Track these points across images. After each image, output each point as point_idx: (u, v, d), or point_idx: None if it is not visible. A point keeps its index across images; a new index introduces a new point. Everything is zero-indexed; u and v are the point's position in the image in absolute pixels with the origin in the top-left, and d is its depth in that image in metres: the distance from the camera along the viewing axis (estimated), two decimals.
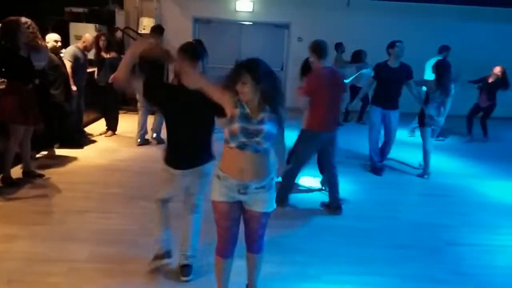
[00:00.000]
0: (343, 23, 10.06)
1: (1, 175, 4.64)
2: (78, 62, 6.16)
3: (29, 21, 4.52)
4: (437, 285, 3.26)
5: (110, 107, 6.90)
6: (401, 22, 10.04)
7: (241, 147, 2.40)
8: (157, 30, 6.75)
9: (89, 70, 6.63)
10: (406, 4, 10.05)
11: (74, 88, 6.17)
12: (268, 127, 2.39)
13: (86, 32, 6.74)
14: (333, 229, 4.05)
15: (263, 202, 2.53)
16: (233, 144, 2.41)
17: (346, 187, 5.08)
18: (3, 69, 4.45)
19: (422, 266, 3.51)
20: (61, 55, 6.04)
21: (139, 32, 9.68)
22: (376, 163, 5.77)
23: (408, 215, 4.54)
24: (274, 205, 2.60)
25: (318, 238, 3.80)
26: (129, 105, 9.08)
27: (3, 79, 4.60)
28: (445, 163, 6.58)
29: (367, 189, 5.25)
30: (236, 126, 2.37)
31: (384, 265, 3.47)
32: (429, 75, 7.49)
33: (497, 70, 7.71)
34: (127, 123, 8.02)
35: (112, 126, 6.96)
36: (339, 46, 9.03)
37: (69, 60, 6.05)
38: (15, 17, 4.47)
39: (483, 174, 6.13)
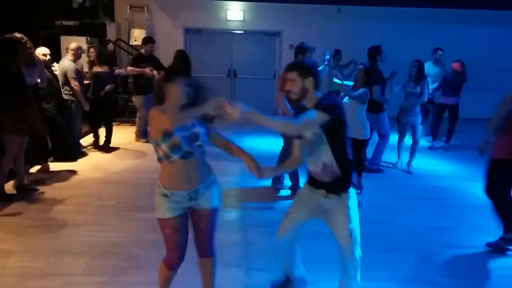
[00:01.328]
0: (334, 30, 10.15)
1: None
2: (80, 76, 6.17)
3: (24, 37, 4.54)
4: None
5: (105, 120, 6.91)
6: (392, 27, 10.15)
7: (185, 156, 2.40)
8: (149, 40, 6.88)
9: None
10: (396, 9, 10.16)
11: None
12: (200, 129, 2.45)
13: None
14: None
15: (209, 198, 2.56)
16: (175, 157, 2.39)
17: None
18: None
19: (419, 269, 3.52)
20: (53, 68, 6.06)
21: (131, 43, 9.71)
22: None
23: (403, 219, 4.55)
24: (220, 200, 2.64)
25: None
26: (122, 116, 9.11)
27: None
28: (439, 166, 6.64)
29: (364, 194, 5.21)
30: (176, 138, 2.35)
31: (381, 270, 3.47)
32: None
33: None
34: (121, 134, 8.03)
35: (107, 139, 6.94)
36: (337, 53, 8.97)
37: (74, 78, 5.98)
38: (12, 34, 4.53)
39: (477, 176, 6.10)
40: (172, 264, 2.65)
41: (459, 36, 10.27)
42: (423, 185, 5.69)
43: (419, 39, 10.15)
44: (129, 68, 6.88)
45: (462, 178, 6.03)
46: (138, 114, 7.17)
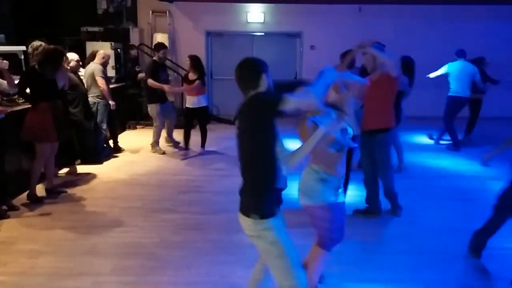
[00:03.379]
0: (355, 29, 10.06)
1: (27, 192, 4.78)
2: (106, 78, 6.40)
3: (59, 47, 4.80)
4: None
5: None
6: (414, 25, 10.01)
7: (340, 150, 2.67)
8: (161, 46, 6.94)
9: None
10: (418, 7, 10.01)
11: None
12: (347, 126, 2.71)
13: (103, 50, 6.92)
14: (351, 236, 3.97)
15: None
16: (337, 148, 2.65)
17: (362, 193, 5.05)
18: (29, 90, 4.63)
19: (446, 271, 3.44)
20: (80, 73, 6.22)
21: (153, 48, 9.86)
22: None
23: (427, 220, 4.46)
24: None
25: (337, 246, 3.76)
26: (146, 120, 9.26)
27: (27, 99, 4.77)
28: (465, 166, 6.46)
29: (381, 195, 5.17)
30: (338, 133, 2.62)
31: (407, 271, 3.42)
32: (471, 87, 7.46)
33: None
34: (144, 137, 8.17)
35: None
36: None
37: (101, 77, 6.28)
38: (58, 46, 4.81)
39: (505, 176, 5.95)
40: (330, 246, 2.87)
41: (482, 33, 10.05)
42: (448, 186, 5.55)
43: (442, 37, 10.00)
44: (150, 81, 6.62)
45: (489, 179, 5.78)
46: (154, 124, 6.98)
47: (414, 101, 6.46)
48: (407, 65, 5.54)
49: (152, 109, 6.85)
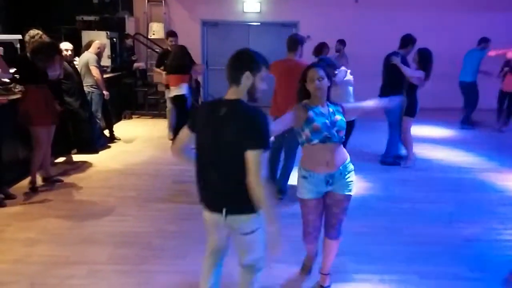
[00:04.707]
0: (352, 20, 10.07)
1: (28, 180, 4.82)
2: (101, 68, 6.41)
3: (55, 42, 4.88)
4: (459, 282, 3.21)
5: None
6: (410, 16, 10.00)
7: (324, 141, 2.67)
8: (169, 34, 6.95)
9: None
10: None
11: (106, 93, 6.49)
12: (340, 116, 2.74)
13: (99, 40, 6.90)
14: (350, 227, 4.00)
15: (345, 184, 2.79)
16: (316, 141, 2.67)
17: (362, 184, 5.11)
18: (19, 76, 4.67)
19: (442, 263, 3.46)
20: (75, 63, 6.22)
21: (149, 37, 9.84)
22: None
23: (424, 212, 4.47)
24: (353, 190, 2.85)
25: (353, 239, 3.77)
26: (141, 109, 9.27)
27: (20, 87, 4.79)
28: (462, 158, 6.49)
29: (384, 186, 5.22)
30: (315, 124, 2.67)
31: (403, 263, 3.44)
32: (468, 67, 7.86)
33: None
34: (140, 127, 8.20)
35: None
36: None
37: (96, 66, 6.31)
38: (52, 40, 4.87)
39: (502, 168, 6.00)
40: (305, 238, 2.97)
41: (481, 24, 10.07)
42: (445, 178, 5.56)
43: (438, 29, 10.02)
44: (154, 68, 6.86)
45: (487, 170, 5.86)
46: (167, 108, 7.11)
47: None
48: (425, 58, 5.51)
49: (167, 92, 7.01)
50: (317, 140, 2.68)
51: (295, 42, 4.69)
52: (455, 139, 7.73)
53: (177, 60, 6.25)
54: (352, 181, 2.84)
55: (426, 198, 4.86)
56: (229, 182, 2.19)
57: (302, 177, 2.80)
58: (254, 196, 2.10)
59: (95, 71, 6.28)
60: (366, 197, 4.85)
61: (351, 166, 2.84)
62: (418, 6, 10.09)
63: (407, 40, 5.82)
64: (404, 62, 5.62)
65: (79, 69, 6.21)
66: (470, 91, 8.28)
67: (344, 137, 2.75)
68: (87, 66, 6.27)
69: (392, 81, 5.59)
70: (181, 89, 6.29)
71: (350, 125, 4.73)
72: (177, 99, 6.37)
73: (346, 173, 2.79)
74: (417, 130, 7.92)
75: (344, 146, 4.72)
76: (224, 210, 2.23)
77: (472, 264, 3.46)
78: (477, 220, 4.29)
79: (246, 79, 2.19)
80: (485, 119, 8.75)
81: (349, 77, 4.85)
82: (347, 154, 2.84)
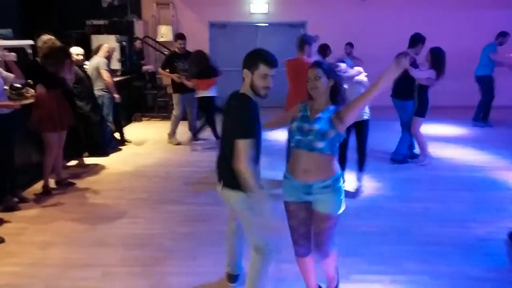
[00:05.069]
0: (359, 19, 10.06)
1: (42, 184, 4.90)
2: (111, 71, 6.50)
3: (65, 47, 4.93)
4: (471, 282, 3.18)
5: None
6: (418, 14, 9.96)
7: (297, 145, 2.53)
8: (178, 37, 7.00)
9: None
10: None
11: (117, 96, 6.58)
12: (320, 125, 2.46)
13: (108, 44, 6.98)
14: (360, 227, 4.05)
15: (325, 202, 2.53)
16: (292, 144, 2.58)
17: (372, 184, 5.11)
18: (32, 82, 4.77)
19: (454, 263, 3.42)
20: (85, 67, 6.29)
21: (158, 40, 9.91)
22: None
23: (436, 211, 4.44)
24: (339, 208, 2.56)
25: (345, 237, 3.77)
26: (151, 112, 9.35)
27: (32, 92, 4.87)
28: (474, 156, 6.42)
29: (394, 185, 5.19)
30: (294, 124, 2.56)
31: (415, 263, 3.42)
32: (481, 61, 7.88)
33: None
34: (150, 130, 8.27)
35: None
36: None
37: (106, 70, 6.42)
38: (63, 45, 4.90)
39: None
40: (295, 249, 2.74)
41: (492, 20, 9.99)
42: (457, 177, 5.50)
43: (448, 26, 9.95)
44: (159, 70, 6.85)
45: (499, 169, 5.79)
46: (173, 113, 7.10)
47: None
48: (437, 57, 5.49)
49: (174, 98, 7.07)
50: (293, 143, 2.57)
51: (302, 42, 4.92)
52: (467, 137, 7.68)
53: (197, 67, 6.50)
54: (337, 200, 2.54)
55: (437, 197, 4.82)
56: (225, 161, 2.54)
57: (284, 177, 2.67)
58: (241, 179, 2.43)
59: (105, 75, 6.36)
60: (376, 196, 4.85)
61: (338, 183, 2.54)
62: (426, 4, 10.03)
63: (417, 39, 5.80)
64: (413, 62, 5.59)
65: (89, 73, 6.29)
66: (482, 85, 8.20)
67: (324, 148, 2.46)
68: (97, 70, 6.35)
69: (402, 82, 5.55)
70: (209, 91, 6.63)
71: (363, 126, 4.76)
72: (202, 100, 6.69)
73: (328, 189, 2.50)
74: (428, 128, 7.88)
75: (363, 149, 4.84)
76: (221, 182, 2.65)
77: (485, 264, 3.42)
78: (490, 219, 4.24)
79: (245, 75, 2.50)
80: (502, 117, 8.66)
81: (363, 78, 4.80)
82: (336, 169, 2.54)
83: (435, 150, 6.55)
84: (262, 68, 2.43)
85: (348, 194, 4.81)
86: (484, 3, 10.10)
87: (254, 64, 2.44)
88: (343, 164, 5.08)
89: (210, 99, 6.65)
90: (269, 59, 2.44)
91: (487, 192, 4.98)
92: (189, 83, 6.72)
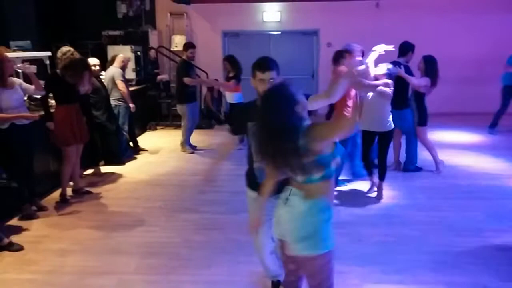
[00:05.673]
0: (373, 26, 10.02)
1: (59, 192, 5.00)
2: (126, 81, 6.62)
3: (84, 59, 5.06)
4: None
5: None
6: (432, 20, 9.90)
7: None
8: (189, 45, 7.09)
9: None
10: (438, 1, 9.89)
11: (132, 106, 6.71)
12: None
13: (123, 54, 7.10)
14: (375, 236, 4.02)
15: (296, 240, 2.21)
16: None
17: (386, 192, 5.06)
18: (51, 94, 4.84)
19: (470, 273, 3.36)
20: (101, 77, 6.41)
21: (172, 49, 10.03)
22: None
23: (451, 220, 4.37)
24: (319, 249, 2.19)
25: (360, 245, 3.77)
26: (165, 120, 9.44)
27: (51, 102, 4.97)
28: (489, 164, 6.32)
29: (409, 194, 5.14)
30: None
31: (430, 273, 3.37)
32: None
33: None
34: (164, 138, 8.35)
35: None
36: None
37: (121, 80, 6.55)
38: (82, 57, 5.02)
39: None
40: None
41: (507, 26, 9.89)
42: (473, 185, 5.41)
43: (464, 32, 9.87)
44: (187, 79, 6.79)
45: None
46: (183, 123, 7.16)
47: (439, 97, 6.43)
48: (431, 65, 5.49)
49: (182, 108, 7.07)
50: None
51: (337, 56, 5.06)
52: (483, 144, 7.55)
53: (235, 69, 7.05)
54: (311, 239, 2.15)
55: (453, 206, 4.74)
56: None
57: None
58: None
59: (121, 85, 6.47)
60: (392, 205, 4.81)
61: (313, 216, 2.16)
62: (440, 10, 9.95)
63: (406, 47, 5.78)
64: (408, 71, 5.56)
65: (105, 84, 6.40)
66: (506, 95, 8.01)
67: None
68: (113, 80, 6.47)
69: (397, 92, 5.45)
70: (239, 97, 7.12)
71: (386, 136, 4.79)
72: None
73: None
74: (443, 135, 7.83)
75: (384, 158, 4.87)
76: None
77: (503, 274, 3.35)
78: (507, 228, 4.15)
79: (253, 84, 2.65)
80: None
81: (386, 89, 4.69)
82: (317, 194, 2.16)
83: (451, 158, 6.47)
84: (257, 74, 2.56)
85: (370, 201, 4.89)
86: (503, 8, 9.98)
87: (252, 72, 2.61)
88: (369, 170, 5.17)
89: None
90: (261, 64, 2.58)
91: (504, 201, 4.88)
92: (229, 84, 7.05)
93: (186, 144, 7.24)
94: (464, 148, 7.19)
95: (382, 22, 9.92)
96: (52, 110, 4.87)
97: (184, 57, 7.04)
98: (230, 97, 7.21)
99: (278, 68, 2.59)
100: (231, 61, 7.06)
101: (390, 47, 4.77)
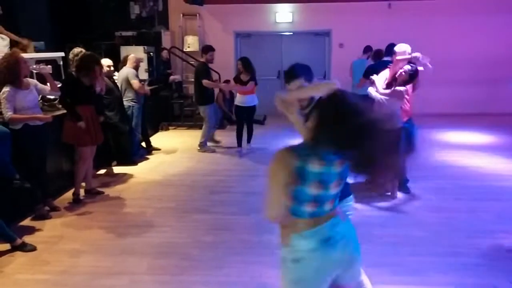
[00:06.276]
0: (384, 26, 9.95)
1: (73, 191, 5.05)
2: (139, 81, 6.69)
3: (93, 53, 5.02)
4: None
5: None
6: (444, 21, 9.78)
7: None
8: (209, 48, 7.16)
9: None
10: (451, 1, 9.78)
11: (148, 91, 6.98)
12: None
13: (136, 54, 7.15)
14: (385, 237, 4.00)
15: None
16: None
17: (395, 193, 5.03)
18: (70, 96, 4.85)
19: (481, 275, 3.33)
20: (114, 78, 6.46)
21: (184, 50, 10.08)
22: None
23: (463, 221, 4.35)
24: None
25: (370, 246, 3.69)
26: (177, 121, 9.48)
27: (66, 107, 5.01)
28: (501, 165, 6.26)
29: (419, 195, 5.10)
30: None
31: (439, 274, 3.36)
32: None
33: None
34: (176, 138, 8.39)
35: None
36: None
37: (136, 80, 6.63)
38: (92, 52, 5.00)
39: None
40: None
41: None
42: (484, 186, 5.37)
43: (476, 32, 9.74)
44: (206, 81, 6.90)
45: None
46: (205, 125, 7.26)
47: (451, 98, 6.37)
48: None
49: (204, 110, 7.19)
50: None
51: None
52: (494, 145, 7.46)
53: (251, 71, 6.99)
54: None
55: (464, 207, 4.71)
56: None
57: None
58: None
59: (137, 85, 6.52)
60: (402, 206, 4.77)
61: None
62: (452, 11, 9.84)
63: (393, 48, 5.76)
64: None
65: (119, 84, 6.44)
66: None
67: None
68: (127, 81, 6.50)
69: None
70: (255, 99, 7.03)
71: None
72: (253, 108, 7.14)
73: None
74: (455, 136, 7.74)
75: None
76: None
77: None
78: None
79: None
80: None
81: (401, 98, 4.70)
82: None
83: (463, 159, 6.42)
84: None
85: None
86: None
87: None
88: None
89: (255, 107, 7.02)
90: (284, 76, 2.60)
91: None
92: (233, 87, 7.13)
93: (205, 145, 7.32)
94: (476, 149, 7.12)
95: (394, 23, 9.85)
96: (63, 112, 4.91)
97: (203, 60, 7.13)
98: (241, 99, 7.02)
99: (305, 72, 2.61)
100: (244, 64, 6.99)
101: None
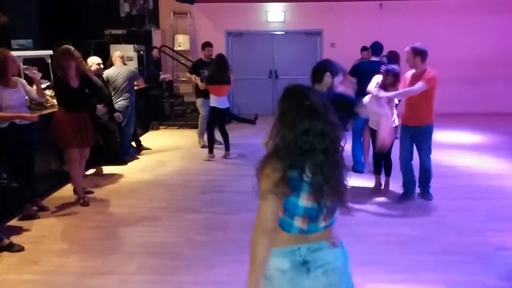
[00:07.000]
0: (376, 26, 9.98)
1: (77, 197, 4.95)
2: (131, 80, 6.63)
3: (66, 46, 4.74)
4: None
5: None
6: (435, 21, 9.85)
7: None
8: (206, 44, 7.20)
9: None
10: (441, 2, 9.85)
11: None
12: None
13: (126, 53, 7.11)
14: (377, 236, 4.01)
15: None
16: None
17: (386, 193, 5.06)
18: (58, 99, 4.78)
19: (471, 272, 3.37)
20: (103, 76, 6.37)
21: (175, 49, 10.02)
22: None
23: (453, 220, 4.38)
24: None
25: (362, 245, 3.74)
26: (168, 120, 9.42)
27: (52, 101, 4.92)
28: (490, 164, 6.31)
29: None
30: None
31: (431, 272, 3.38)
32: None
33: None
34: (167, 138, 8.33)
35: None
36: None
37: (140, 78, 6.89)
38: (64, 45, 4.75)
39: None
40: None
41: (508, 28, 9.84)
42: (474, 185, 5.42)
43: (463, 33, 9.82)
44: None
45: None
46: (200, 115, 7.40)
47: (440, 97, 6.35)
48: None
49: (198, 102, 7.36)
50: None
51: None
52: (483, 144, 7.52)
53: (211, 70, 6.76)
54: None
55: (454, 206, 4.75)
56: None
57: None
58: None
59: (141, 82, 6.98)
60: (392, 205, 4.79)
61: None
62: (443, 11, 9.90)
63: (381, 47, 5.85)
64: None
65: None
66: None
67: None
68: (131, 79, 6.53)
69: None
70: (221, 103, 6.78)
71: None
72: (227, 111, 7.02)
73: None
74: (444, 136, 7.78)
75: (389, 155, 4.96)
76: None
77: (503, 273, 3.37)
78: (507, 228, 4.18)
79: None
80: None
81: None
82: None
83: (452, 158, 6.46)
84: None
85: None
86: (503, 9, 9.94)
87: None
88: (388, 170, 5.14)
89: (223, 111, 6.75)
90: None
91: (505, 200, 4.90)
92: (202, 85, 6.88)
93: (201, 135, 7.43)
94: (465, 149, 7.18)
95: (385, 23, 9.89)
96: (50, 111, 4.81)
97: (202, 56, 7.21)
98: (219, 100, 6.67)
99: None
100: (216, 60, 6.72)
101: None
